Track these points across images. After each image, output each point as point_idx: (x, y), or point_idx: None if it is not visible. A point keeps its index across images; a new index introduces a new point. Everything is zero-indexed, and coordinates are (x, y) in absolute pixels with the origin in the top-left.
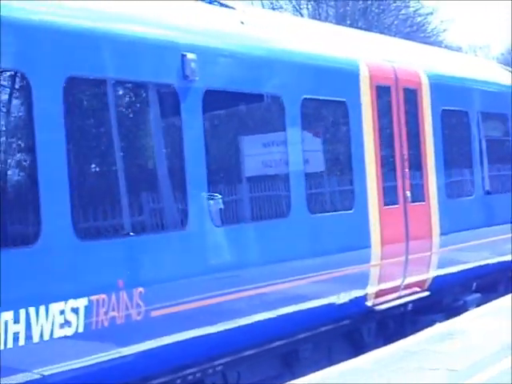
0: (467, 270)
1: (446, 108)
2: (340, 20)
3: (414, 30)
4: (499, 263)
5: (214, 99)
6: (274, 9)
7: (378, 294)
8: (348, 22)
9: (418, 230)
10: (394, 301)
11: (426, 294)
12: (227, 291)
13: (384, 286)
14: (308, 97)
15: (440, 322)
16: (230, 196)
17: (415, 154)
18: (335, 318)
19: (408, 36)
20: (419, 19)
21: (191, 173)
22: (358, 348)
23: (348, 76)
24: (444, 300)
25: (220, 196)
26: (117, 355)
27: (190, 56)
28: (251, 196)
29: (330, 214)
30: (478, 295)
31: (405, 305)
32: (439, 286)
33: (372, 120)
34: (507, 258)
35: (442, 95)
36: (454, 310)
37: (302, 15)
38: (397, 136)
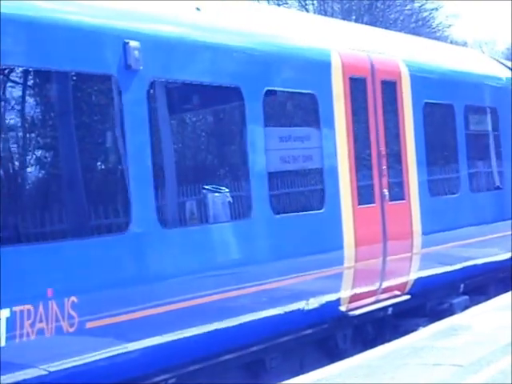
0: (453, 271)
1: (429, 101)
2: (345, 15)
3: (420, 26)
4: (488, 263)
5: (162, 91)
6: (279, 5)
7: (353, 299)
8: (353, 18)
9: (397, 229)
10: (370, 305)
11: (407, 297)
12: (178, 298)
13: (359, 289)
14: (272, 89)
15: (423, 326)
16: (176, 195)
17: (394, 150)
18: (305, 324)
19: (413, 31)
20: (424, 14)
21: (135, 172)
22: (332, 355)
23: (318, 66)
24: (428, 303)
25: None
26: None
27: (132, 44)
28: (204, 195)
29: (297, 214)
30: (465, 297)
31: (384, 309)
32: (422, 288)
33: (345, 114)
34: (496, 258)
35: (425, 87)
36: (439, 314)
37: (307, 11)
38: (373, 131)
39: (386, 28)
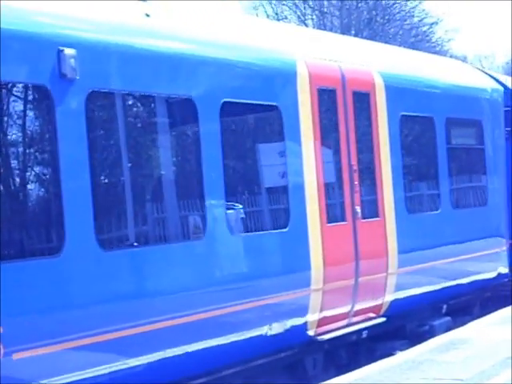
0: (434, 291)
1: (406, 113)
2: (345, 30)
3: (419, 40)
4: (473, 283)
5: (103, 102)
6: (278, 19)
7: (322, 322)
8: (353, 32)
9: (370, 248)
10: (341, 329)
11: (382, 320)
12: (129, 325)
13: (328, 312)
14: (229, 100)
15: (401, 350)
16: (117, 214)
17: (367, 165)
18: (269, 350)
19: (413, 46)
20: (424, 29)
21: (70, 191)
22: (302, 381)
23: (281, 76)
24: (408, 325)
25: None
26: None
27: (68, 52)
28: (154, 213)
29: (258, 233)
30: (447, 319)
31: (358, 332)
32: (399, 310)
33: (313, 127)
34: (482, 276)
35: (401, 99)
36: (419, 336)
37: (306, 25)
38: (344, 145)
39: (386, 42)
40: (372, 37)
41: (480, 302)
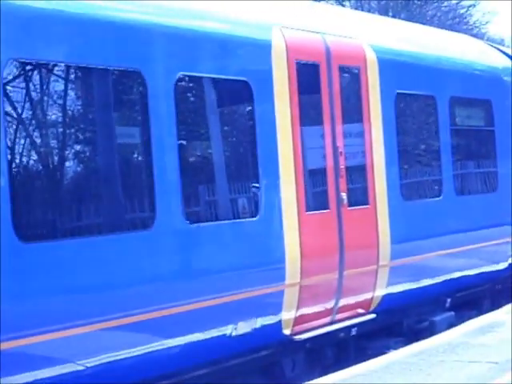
0: (435, 284)
1: (403, 91)
2: (383, 12)
3: (457, 23)
4: (481, 274)
5: (26, 72)
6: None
7: (300, 320)
8: (390, 14)
9: (357, 238)
10: (324, 327)
11: (371, 316)
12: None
13: (307, 309)
14: (187, 74)
15: (395, 348)
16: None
17: (356, 148)
18: (235, 351)
19: (450, 28)
20: (462, 11)
21: None
22: (281, 382)
23: (252, 47)
24: (405, 322)
25: None
26: None
27: None
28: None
29: (220, 223)
30: (450, 314)
31: (347, 330)
32: (393, 305)
33: (290, 106)
34: (491, 268)
35: (397, 75)
36: (417, 334)
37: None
38: (328, 126)
39: (423, 24)
40: (410, 19)
41: (490, 295)
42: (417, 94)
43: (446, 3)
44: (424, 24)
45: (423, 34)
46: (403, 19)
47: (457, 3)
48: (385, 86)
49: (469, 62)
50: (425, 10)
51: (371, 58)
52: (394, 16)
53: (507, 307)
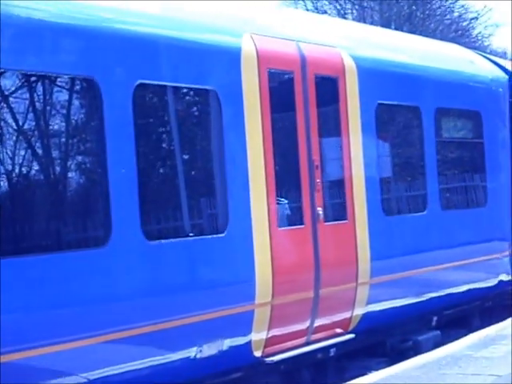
0: (419, 303)
1: (384, 102)
2: (385, 25)
3: (459, 35)
4: (469, 291)
5: None
6: (318, 11)
7: (271, 342)
8: (393, 27)
9: (335, 255)
10: (298, 348)
11: (349, 336)
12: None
13: (280, 330)
14: (147, 82)
15: (377, 369)
16: None
17: (333, 161)
18: (200, 375)
19: (453, 41)
20: (464, 24)
21: None
22: None
23: (219, 54)
24: (388, 341)
25: None
26: None
27: None
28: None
29: (182, 239)
30: (435, 333)
31: (325, 350)
32: (373, 325)
33: (261, 116)
34: (480, 284)
35: (378, 85)
36: (401, 353)
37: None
38: (302, 138)
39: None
40: (412, 31)
41: (479, 313)
42: (400, 105)
43: (448, 16)
44: (427, 36)
45: (408, 42)
46: (406, 31)
47: (459, 16)
48: (365, 95)
49: (457, 71)
50: (427, 22)
51: (350, 67)
52: (396, 29)
53: (510, 320)
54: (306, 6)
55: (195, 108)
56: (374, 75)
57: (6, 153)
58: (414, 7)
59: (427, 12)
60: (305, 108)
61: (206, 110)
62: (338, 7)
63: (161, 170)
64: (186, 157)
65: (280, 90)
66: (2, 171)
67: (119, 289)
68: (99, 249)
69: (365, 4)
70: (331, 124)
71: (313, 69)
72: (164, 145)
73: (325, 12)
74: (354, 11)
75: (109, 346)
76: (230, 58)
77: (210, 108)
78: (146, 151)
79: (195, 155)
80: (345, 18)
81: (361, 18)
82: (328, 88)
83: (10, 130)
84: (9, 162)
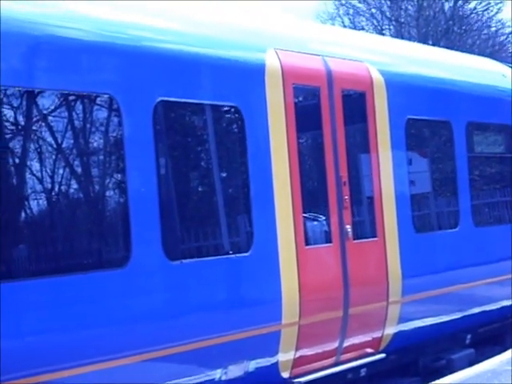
0: (452, 321)
1: (414, 117)
2: (422, 40)
3: (497, 50)
4: (503, 309)
5: None
6: (355, 28)
7: (299, 362)
8: (430, 42)
9: (364, 273)
10: (327, 369)
11: (381, 356)
12: None
13: (308, 350)
14: (168, 99)
15: None
16: None
17: (362, 178)
18: None
19: (491, 56)
20: (501, 39)
21: None
22: None
23: (242, 70)
24: (421, 360)
25: None
26: None
27: None
28: None
29: (206, 259)
30: (469, 351)
31: (355, 370)
32: (405, 344)
33: (286, 133)
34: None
35: (408, 100)
36: (434, 373)
37: (383, 35)
38: (329, 155)
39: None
40: (449, 47)
41: None
42: (430, 120)
43: (485, 31)
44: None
45: (438, 56)
46: (443, 47)
47: (496, 31)
48: (394, 110)
49: (489, 85)
50: (464, 38)
51: (378, 82)
52: (433, 44)
53: None
54: (343, 22)
55: (217, 125)
56: (403, 90)
57: (25, 173)
58: (451, 22)
59: (464, 27)
60: (332, 123)
61: (229, 127)
62: (375, 23)
63: (183, 189)
64: (208, 175)
65: (306, 105)
66: (20, 191)
67: (140, 310)
68: (119, 270)
69: (402, 20)
70: (359, 140)
71: (339, 84)
72: (185, 163)
73: (362, 28)
74: (391, 27)
75: (130, 368)
76: (253, 73)
77: (233, 125)
78: (167, 169)
79: (218, 173)
80: (382, 34)
81: (398, 34)
82: (355, 103)
83: (30, 148)
84: (27, 182)
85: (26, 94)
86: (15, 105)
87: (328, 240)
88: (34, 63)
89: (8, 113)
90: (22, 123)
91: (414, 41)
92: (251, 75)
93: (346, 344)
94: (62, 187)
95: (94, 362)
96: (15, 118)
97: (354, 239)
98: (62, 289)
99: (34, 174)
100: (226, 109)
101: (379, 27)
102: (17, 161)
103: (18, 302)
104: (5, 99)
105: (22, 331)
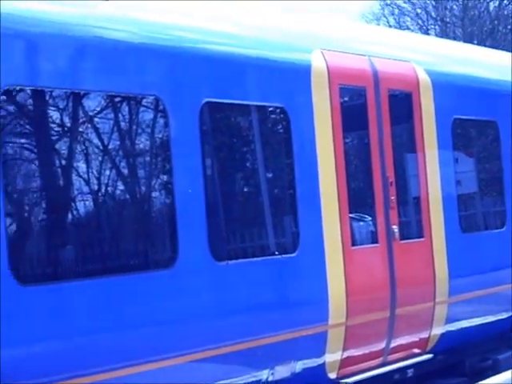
0: (500, 320)
1: (461, 117)
2: (467, 40)
3: None
4: None
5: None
6: (400, 28)
7: (346, 363)
8: (475, 42)
9: (411, 274)
10: (375, 369)
11: (428, 357)
12: None
13: (355, 351)
14: (213, 101)
15: None
16: None
17: (409, 178)
18: None
19: None
20: None
21: None
22: None
23: (288, 71)
24: (467, 361)
25: None
26: None
27: None
28: None
29: (253, 260)
30: None
31: (402, 371)
32: (452, 344)
33: (333, 133)
34: None
35: (454, 100)
36: (480, 373)
37: (429, 35)
38: (376, 154)
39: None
40: (494, 46)
41: None
42: (476, 120)
43: None
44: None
45: (484, 56)
46: (488, 46)
47: None
48: (440, 110)
49: None
50: (510, 37)
51: (425, 81)
52: (479, 44)
53: None
54: (388, 22)
55: (263, 126)
56: (449, 89)
57: (73, 175)
58: (496, 22)
59: (509, 27)
60: (378, 124)
61: (275, 127)
62: (421, 23)
63: (229, 190)
64: (254, 176)
65: (352, 106)
66: (68, 193)
67: (187, 311)
68: (166, 270)
69: (447, 19)
70: (406, 140)
71: (386, 84)
72: (231, 164)
73: (407, 28)
74: (437, 27)
75: (177, 369)
76: (299, 74)
77: (279, 126)
78: (213, 170)
79: (264, 174)
80: (427, 33)
81: (443, 34)
82: (402, 103)
83: (76, 150)
84: (75, 184)
85: (72, 95)
86: (61, 107)
87: (374, 240)
88: (80, 65)
89: (54, 115)
90: (69, 125)
91: (460, 40)
92: (297, 76)
93: (393, 344)
94: (110, 189)
95: (143, 363)
96: (61, 119)
97: (401, 239)
98: (111, 290)
99: (81, 176)
100: (272, 110)
101: (424, 27)
102: (64, 163)
103: (69, 303)
104: (51, 101)
105: (72, 332)
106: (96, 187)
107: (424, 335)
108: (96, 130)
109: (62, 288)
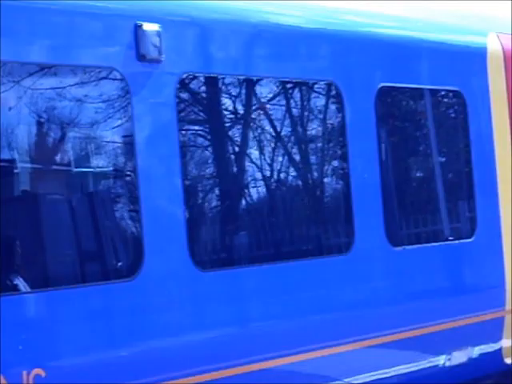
0: None
1: None
2: None
3: None
4: None
5: (198, 89)
6: None
7: None
8: None
9: None
10: None
11: None
12: None
13: None
14: (388, 85)
15: None
16: None
17: None
18: (452, 383)
19: None
20: None
21: None
22: None
23: (464, 54)
24: None
25: None
26: None
27: (148, 27)
28: None
29: (430, 245)
30: None
31: None
32: None
33: (510, 117)
34: None
35: None
36: None
37: None
38: None
39: None
40: None
41: None
42: None
43: None
44: None
45: None
46: None
47: None
48: None
49: None
50: None
51: None
52: None
53: None
54: None
55: (439, 110)
56: None
57: (246, 162)
58: None
59: None
60: None
61: (450, 111)
62: None
63: (404, 175)
64: (429, 160)
65: None
66: (242, 180)
67: (363, 296)
68: (342, 256)
69: None
70: None
71: None
72: (406, 149)
73: None
74: None
75: (355, 354)
76: (475, 57)
77: (455, 109)
78: (388, 155)
79: (439, 158)
80: None
81: None
82: None
83: (250, 136)
84: (249, 171)
85: (244, 82)
86: (234, 93)
87: None
88: (253, 51)
89: (227, 101)
90: (242, 112)
91: None
92: (473, 59)
93: None
94: (285, 175)
95: (318, 349)
96: (234, 106)
97: None
98: (286, 275)
99: (255, 163)
100: (447, 93)
101: None
102: (237, 149)
103: (245, 288)
104: (223, 88)
105: (246, 317)
106: (270, 174)
107: None
108: (269, 116)
109: (239, 273)
